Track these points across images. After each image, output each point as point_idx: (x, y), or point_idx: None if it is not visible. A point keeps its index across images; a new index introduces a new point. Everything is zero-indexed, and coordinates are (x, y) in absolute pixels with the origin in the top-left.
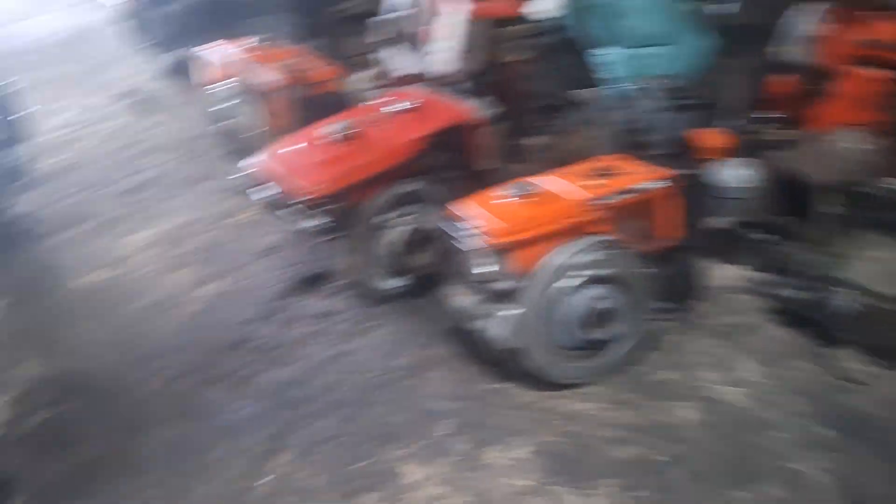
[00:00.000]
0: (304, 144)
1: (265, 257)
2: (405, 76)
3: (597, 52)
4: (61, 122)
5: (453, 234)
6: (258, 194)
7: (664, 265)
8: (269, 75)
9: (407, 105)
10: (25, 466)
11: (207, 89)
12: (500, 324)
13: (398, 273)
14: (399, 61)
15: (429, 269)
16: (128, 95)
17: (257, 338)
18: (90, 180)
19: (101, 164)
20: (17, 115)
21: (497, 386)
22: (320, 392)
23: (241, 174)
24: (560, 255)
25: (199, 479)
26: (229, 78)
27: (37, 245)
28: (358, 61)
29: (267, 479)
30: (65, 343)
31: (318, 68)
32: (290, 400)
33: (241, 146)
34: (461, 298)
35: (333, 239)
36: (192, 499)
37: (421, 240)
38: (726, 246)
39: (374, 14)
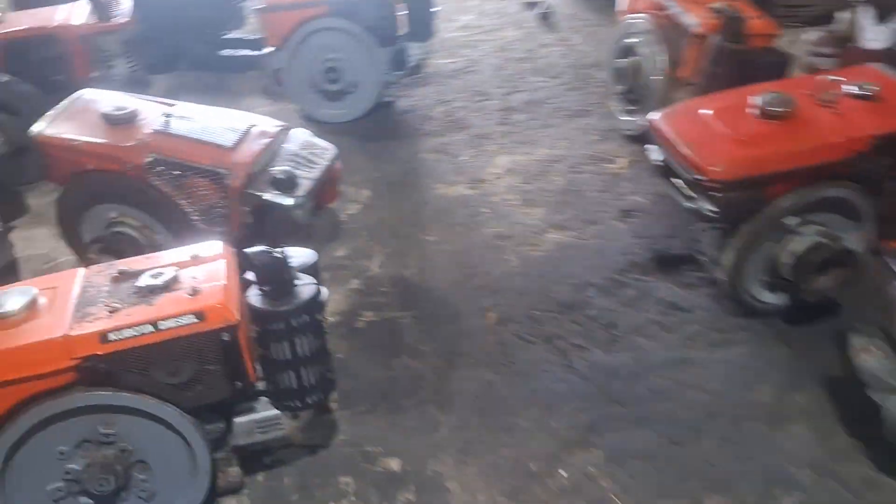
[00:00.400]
0: (720, 109)
1: (625, 218)
2: (871, 51)
3: None
4: (462, 24)
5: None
6: (649, 152)
7: None
8: (695, 17)
9: (862, 89)
10: (347, 361)
11: (623, 18)
12: None
13: (782, 287)
14: (870, 30)
15: (825, 296)
16: (535, 7)
17: (593, 307)
18: (474, 89)
19: (488, 74)
20: (431, 12)
21: (881, 478)
22: (649, 396)
23: (631, 120)
24: None
25: (498, 439)
26: (648, 11)
27: (411, 143)
28: (796, 17)
29: (564, 473)
30: (412, 250)
31: (754, 19)
32: (613, 392)
33: (638, 90)
34: (872, 357)
35: (719, 227)
36: (484, 459)
37: (828, 259)
38: None
39: None
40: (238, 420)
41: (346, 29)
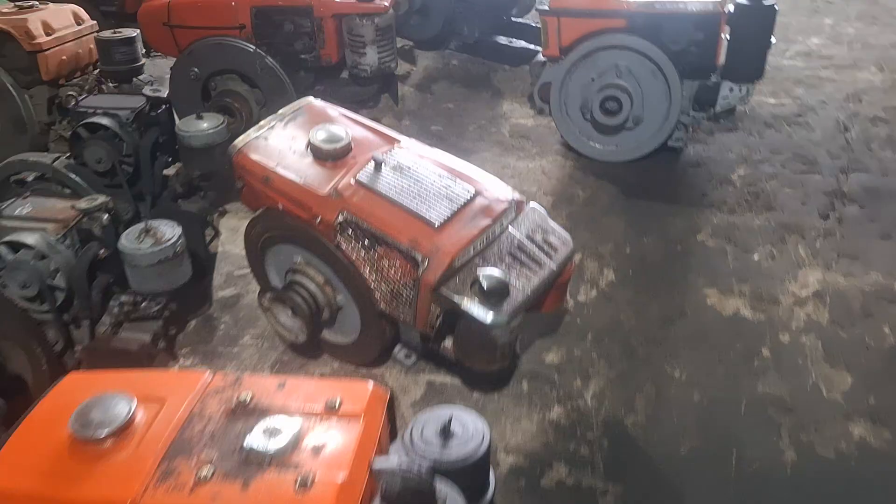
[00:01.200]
0: None
1: None
2: None
3: None
4: (803, 49)
5: None
6: None
7: None
8: None
9: None
10: None
11: None
12: None
13: None
14: None
15: None
16: None
17: None
18: (798, 151)
19: (823, 132)
20: (765, 45)
21: None
22: None
23: None
24: None
25: None
26: None
27: (688, 214)
28: None
29: None
30: (645, 382)
31: None
32: None
33: None
34: None
35: None
36: None
37: None
38: None
39: None
40: None
41: (644, 51)
